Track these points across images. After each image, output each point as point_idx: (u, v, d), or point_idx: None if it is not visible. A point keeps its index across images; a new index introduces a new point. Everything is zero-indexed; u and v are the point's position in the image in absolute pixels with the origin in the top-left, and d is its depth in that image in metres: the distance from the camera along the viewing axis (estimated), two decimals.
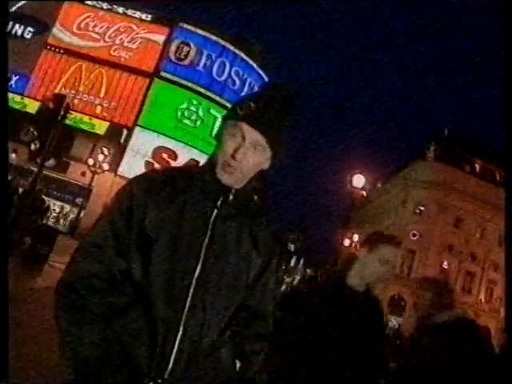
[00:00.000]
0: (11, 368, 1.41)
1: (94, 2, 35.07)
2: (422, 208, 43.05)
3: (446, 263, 42.12)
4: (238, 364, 1.29)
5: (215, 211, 1.26)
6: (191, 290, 1.17)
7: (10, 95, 34.17)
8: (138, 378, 1.13)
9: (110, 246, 1.19)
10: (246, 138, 1.24)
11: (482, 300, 42.79)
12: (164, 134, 29.96)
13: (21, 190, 17.14)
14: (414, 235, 42.26)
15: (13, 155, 31.46)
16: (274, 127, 1.26)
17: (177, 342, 1.14)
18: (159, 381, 1.13)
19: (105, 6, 35.07)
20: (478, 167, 46.09)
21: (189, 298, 1.17)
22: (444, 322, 2.64)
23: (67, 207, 30.98)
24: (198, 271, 1.19)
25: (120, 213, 1.22)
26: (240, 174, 1.27)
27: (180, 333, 1.15)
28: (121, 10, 34.96)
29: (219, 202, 1.27)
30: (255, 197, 1.42)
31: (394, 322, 37.77)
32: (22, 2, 34.65)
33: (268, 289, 1.37)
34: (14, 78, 33.96)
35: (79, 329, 1.14)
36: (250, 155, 1.25)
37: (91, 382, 1.11)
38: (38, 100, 31.93)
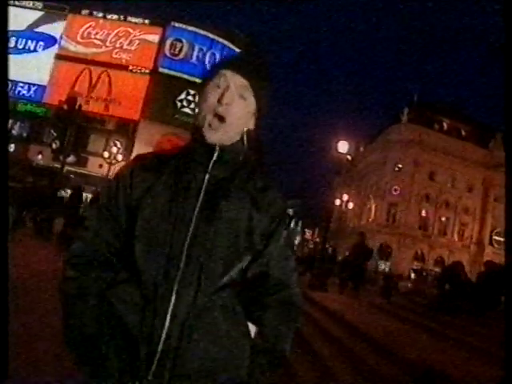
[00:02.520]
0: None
1: (94, 12, 34.47)
2: (400, 166, 43.18)
3: (424, 211, 42.61)
4: (254, 328, 1.06)
5: (207, 175, 1.06)
6: (183, 256, 0.98)
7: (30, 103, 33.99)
8: (133, 349, 0.97)
9: (100, 228, 1.06)
10: (230, 84, 1.07)
11: (456, 239, 43.54)
12: (167, 123, 29.88)
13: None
14: (396, 190, 42.58)
15: (39, 156, 31.53)
16: (258, 73, 1.11)
17: (169, 311, 0.96)
18: (153, 350, 0.95)
19: (102, 14, 34.50)
20: (445, 126, 45.98)
21: (181, 265, 0.98)
22: None
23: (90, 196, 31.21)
24: (189, 236, 0.99)
25: (109, 195, 1.09)
26: (226, 130, 1.06)
27: (173, 300, 0.97)
28: (117, 16, 34.37)
29: (210, 165, 1.07)
30: (250, 157, 1.17)
31: (383, 265, 38.49)
32: (33, 20, 34.11)
33: (285, 255, 1.11)
34: (33, 89, 33.72)
35: (75, 308, 1.02)
36: (237, 103, 1.07)
37: (88, 359, 1.01)
38: (54, 105, 31.72)
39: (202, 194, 1.03)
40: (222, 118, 1.05)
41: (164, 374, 0.95)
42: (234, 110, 1.07)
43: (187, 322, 0.97)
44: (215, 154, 1.07)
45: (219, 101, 1.05)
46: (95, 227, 1.07)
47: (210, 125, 1.06)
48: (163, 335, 0.95)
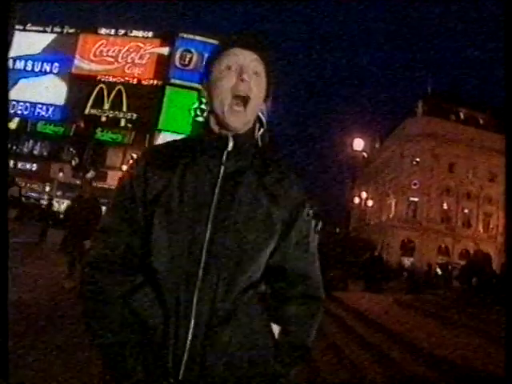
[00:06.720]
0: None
1: (105, 30, 35.38)
2: (418, 159, 42.49)
3: (445, 204, 41.76)
4: (277, 328, 1.04)
5: (221, 168, 1.01)
6: (203, 254, 0.95)
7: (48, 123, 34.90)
8: (160, 355, 0.95)
9: (118, 229, 1.01)
10: (243, 61, 1.03)
11: (481, 231, 42.40)
12: (182, 132, 30.21)
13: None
14: (415, 184, 41.91)
15: (60, 174, 32.34)
16: (264, 45, 1.06)
17: (193, 312, 0.94)
18: (181, 353, 0.94)
19: (113, 31, 35.36)
20: (462, 115, 45.05)
21: (201, 263, 0.94)
22: None
23: None
24: (208, 235, 0.96)
25: (124, 194, 1.03)
26: (247, 114, 1.02)
27: (195, 301, 0.94)
28: (127, 32, 35.18)
29: (224, 156, 1.02)
30: (263, 144, 1.12)
31: (406, 261, 37.90)
32: (47, 43, 35.19)
33: (304, 246, 1.08)
34: (51, 109, 34.68)
35: (99, 315, 0.99)
36: (254, 81, 1.03)
37: (117, 365, 0.97)
38: (72, 123, 32.65)
39: (217, 190, 0.98)
40: (244, 98, 1.01)
41: (192, 376, 0.94)
42: (253, 88, 1.02)
43: (211, 323, 0.94)
44: (230, 145, 1.03)
45: (239, 79, 1.00)
46: (114, 228, 1.01)
47: (231, 107, 1.01)
48: (189, 338, 0.93)
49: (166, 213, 0.97)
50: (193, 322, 0.93)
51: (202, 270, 0.94)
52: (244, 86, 1.00)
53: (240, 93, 1.00)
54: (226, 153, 1.02)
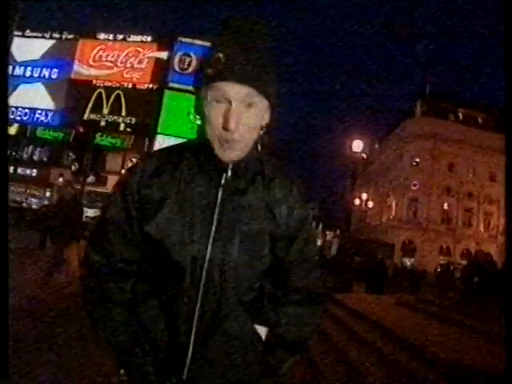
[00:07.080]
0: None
1: (104, 35, 35.55)
2: (418, 160, 42.49)
3: (446, 204, 41.73)
4: (262, 329, 1.05)
5: (220, 190, 0.98)
6: (203, 273, 0.95)
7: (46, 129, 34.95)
8: (164, 356, 0.98)
9: (113, 240, 1.00)
10: (232, 98, 0.90)
11: (482, 230, 42.37)
12: (182, 136, 30.25)
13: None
14: (415, 185, 41.90)
15: (60, 179, 32.40)
16: (259, 69, 0.91)
17: (195, 318, 0.95)
18: (182, 355, 0.97)
19: (111, 36, 35.55)
20: (461, 115, 45.10)
21: (202, 280, 0.95)
22: None
23: None
24: (208, 255, 0.95)
25: (116, 207, 1.01)
26: (242, 144, 0.95)
27: (197, 311, 0.96)
28: (126, 36, 35.33)
29: (223, 180, 0.98)
30: (264, 160, 1.06)
31: (407, 262, 37.86)
32: (46, 49, 35.29)
33: (306, 260, 1.08)
34: (50, 115, 34.75)
35: (101, 317, 1.01)
36: (245, 117, 0.92)
37: (125, 365, 1.02)
38: (71, 129, 32.73)
39: (216, 211, 0.97)
40: (232, 142, 0.93)
41: (195, 377, 0.98)
42: (242, 125, 0.92)
43: (213, 327, 0.97)
44: (229, 171, 0.99)
45: (224, 127, 0.90)
46: (109, 241, 1.01)
47: (221, 144, 0.94)
48: (191, 341, 0.96)
49: (163, 232, 0.96)
50: (195, 326, 0.96)
51: (203, 286, 0.95)
52: (230, 134, 0.91)
53: (226, 137, 0.92)
54: (224, 177, 0.99)
